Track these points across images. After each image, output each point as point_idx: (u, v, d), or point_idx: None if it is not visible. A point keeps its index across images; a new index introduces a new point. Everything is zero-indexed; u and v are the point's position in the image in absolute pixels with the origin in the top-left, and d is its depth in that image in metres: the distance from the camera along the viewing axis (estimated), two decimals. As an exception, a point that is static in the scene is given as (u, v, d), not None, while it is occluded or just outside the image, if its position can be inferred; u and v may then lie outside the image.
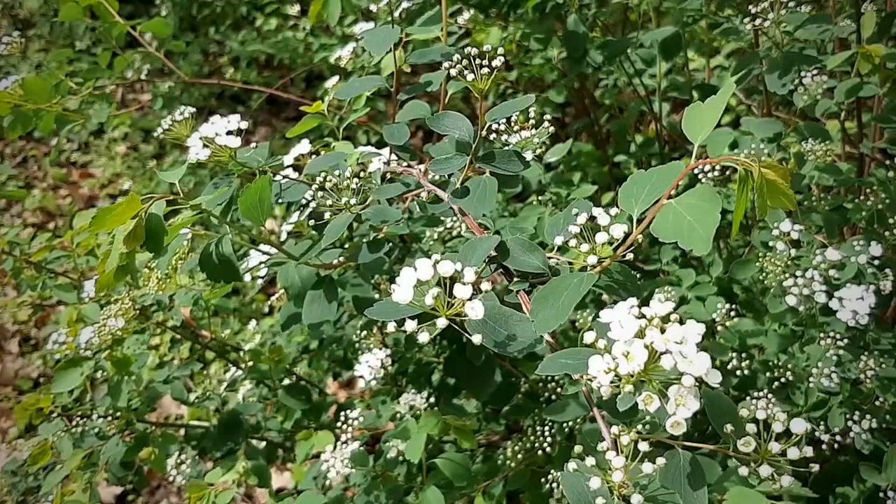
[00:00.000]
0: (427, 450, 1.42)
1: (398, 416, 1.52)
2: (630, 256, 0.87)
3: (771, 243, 1.46)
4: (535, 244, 0.96)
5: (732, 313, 1.63)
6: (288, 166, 1.18)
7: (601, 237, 0.88)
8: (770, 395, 1.49)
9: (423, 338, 0.79)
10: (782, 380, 1.51)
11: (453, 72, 1.01)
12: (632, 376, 0.74)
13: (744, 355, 1.59)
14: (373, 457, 1.52)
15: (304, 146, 1.26)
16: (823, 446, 1.47)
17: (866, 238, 1.42)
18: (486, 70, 1.01)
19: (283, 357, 1.88)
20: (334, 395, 2.64)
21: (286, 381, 1.90)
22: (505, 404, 1.74)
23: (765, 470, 0.79)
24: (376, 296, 1.54)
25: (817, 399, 1.48)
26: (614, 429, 0.82)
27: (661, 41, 1.98)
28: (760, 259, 1.45)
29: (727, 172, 1.71)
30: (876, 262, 1.39)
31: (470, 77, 1.01)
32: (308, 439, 1.93)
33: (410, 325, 0.79)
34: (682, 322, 0.76)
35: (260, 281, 1.23)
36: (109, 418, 1.62)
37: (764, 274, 1.44)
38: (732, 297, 1.80)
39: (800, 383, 1.50)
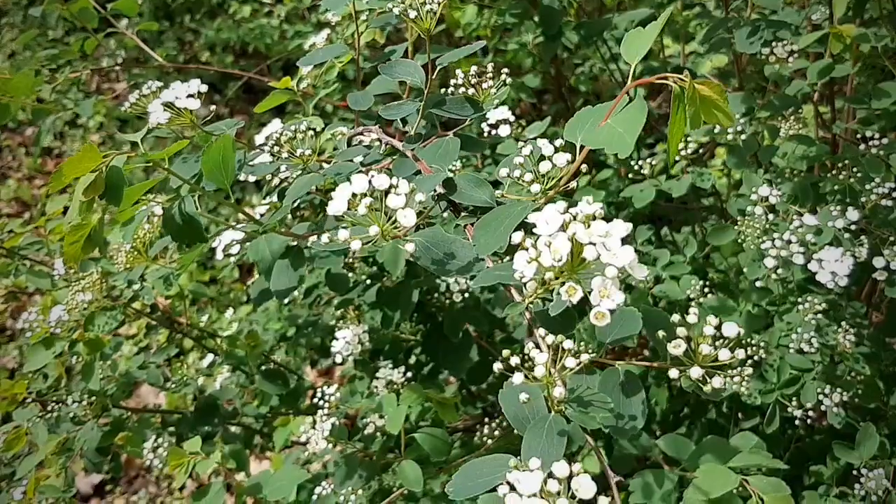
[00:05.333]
0: (405, 426, 1.42)
1: (375, 390, 1.53)
2: (573, 185, 0.88)
3: (749, 209, 1.47)
4: (484, 180, 0.98)
5: (706, 290, 1.64)
6: (260, 145, 1.17)
7: (545, 166, 0.89)
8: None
9: (356, 245, 0.82)
10: (755, 358, 1.52)
11: (397, 10, 1.01)
12: (555, 269, 0.75)
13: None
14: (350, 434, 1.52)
15: (275, 125, 1.25)
16: (797, 423, 1.48)
17: (842, 205, 1.43)
18: (430, 7, 1.02)
19: (259, 343, 1.88)
20: (313, 382, 2.64)
21: (263, 368, 1.89)
22: (482, 382, 1.75)
23: (695, 372, 0.80)
24: (350, 274, 1.54)
25: (790, 376, 1.49)
26: (541, 331, 0.82)
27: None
28: (738, 224, 1.47)
29: (699, 150, 1.73)
30: (852, 228, 1.40)
31: (413, 14, 1.01)
32: (286, 425, 1.93)
33: (343, 234, 0.82)
34: (607, 220, 0.77)
35: (233, 259, 1.23)
36: (84, 403, 1.61)
37: (742, 237, 1.45)
38: (707, 279, 1.81)
39: (773, 361, 1.52)
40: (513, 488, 0.71)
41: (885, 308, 1.85)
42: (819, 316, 1.48)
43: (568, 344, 0.79)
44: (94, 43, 1.96)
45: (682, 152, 1.68)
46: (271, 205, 1.41)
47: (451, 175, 0.99)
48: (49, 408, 1.61)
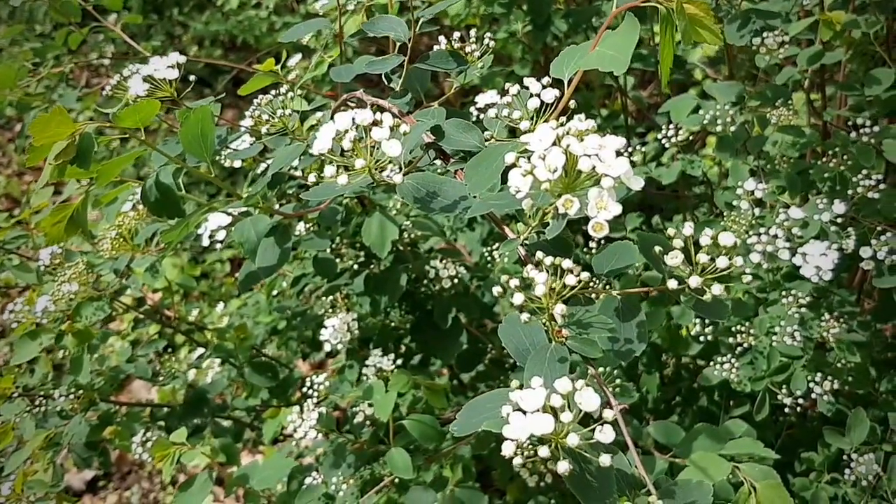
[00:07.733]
0: (394, 416, 1.41)
1: (365, 378, 1.52)
2: (563, 120, 0.88)
3: (735, 203, 1.46)
4: (473, 125, 0.97)
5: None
6: (244, 131, 1.16)
7: (532, 103, 0.89)
8: (733, 360, 1.50)
9: (342, 180, 0.81)
10: (745, 345, 1.51)
11: None
12: (551, 183, 0.75)
13: (707, 322, 1.60)
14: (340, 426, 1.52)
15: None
16: (786, 410, 1.48)
17: (829, 197, 1.43)
18: None
19: (249, 335, 1.87)
20: (304, 375, 2.63)
21: (253, 360, 1.88)
22: (471, 369, 1.75)
23: (694, 281, 0.79)
24: (337, 260, 1.53)
25: (780, 363, 1.49)
26: (539, 254, 0.81)
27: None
28: (724, 219, 1.46)
29: (689, 138, 1.72)
30: (839, 221, 1.40)
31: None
32: (276, 417, 1.92)
33: (329, 171, 0.82)
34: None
35: (219, 247, 1.22)
36: (72, 397, 1.60)
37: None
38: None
39: (762, 348, 1.51)
40: (516, 409, 0.70)
41: (877, 295, 1.85)
42: (803, 309, 1.47)
43: (567, 263, 0.78)
44: (79, 38, 1.94)
45: (672, 139, 1.67)
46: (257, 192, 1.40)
47: (439, 123, 0.98)
48: (36, 402, 1.60)
